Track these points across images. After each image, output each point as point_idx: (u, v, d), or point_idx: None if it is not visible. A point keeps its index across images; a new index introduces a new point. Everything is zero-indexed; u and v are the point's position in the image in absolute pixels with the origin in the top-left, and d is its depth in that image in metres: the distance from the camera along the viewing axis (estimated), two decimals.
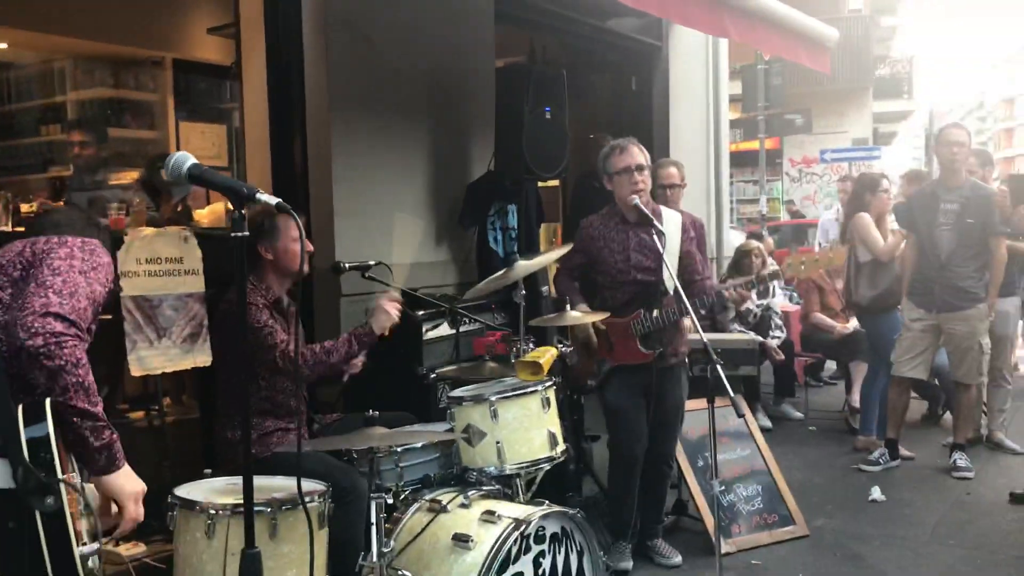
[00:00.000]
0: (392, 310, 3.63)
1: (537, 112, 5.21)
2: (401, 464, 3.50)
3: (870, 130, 20.21)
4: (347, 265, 4.25)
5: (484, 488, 3.41)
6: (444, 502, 3.23)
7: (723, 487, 4.88)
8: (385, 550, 2.97)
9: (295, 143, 4.97)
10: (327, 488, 3.03)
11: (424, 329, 4.46)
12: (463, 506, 3.23)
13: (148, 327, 4.64)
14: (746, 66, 12.35)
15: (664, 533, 4.66)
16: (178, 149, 7.45)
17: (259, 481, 2.93)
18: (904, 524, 5.01)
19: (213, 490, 3.08)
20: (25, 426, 2.01)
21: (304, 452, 3.39)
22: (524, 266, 3.83)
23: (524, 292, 3.98)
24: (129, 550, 4.04)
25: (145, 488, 2.36)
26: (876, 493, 5.44)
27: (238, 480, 2.87)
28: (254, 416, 3.52)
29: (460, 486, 3.44)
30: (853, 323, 7.08)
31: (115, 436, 2.26)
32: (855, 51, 18.29)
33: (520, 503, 3.39)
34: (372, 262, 4.26)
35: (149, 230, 4.72)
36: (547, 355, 3.69)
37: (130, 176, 7.57)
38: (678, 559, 4.51)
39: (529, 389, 3.56)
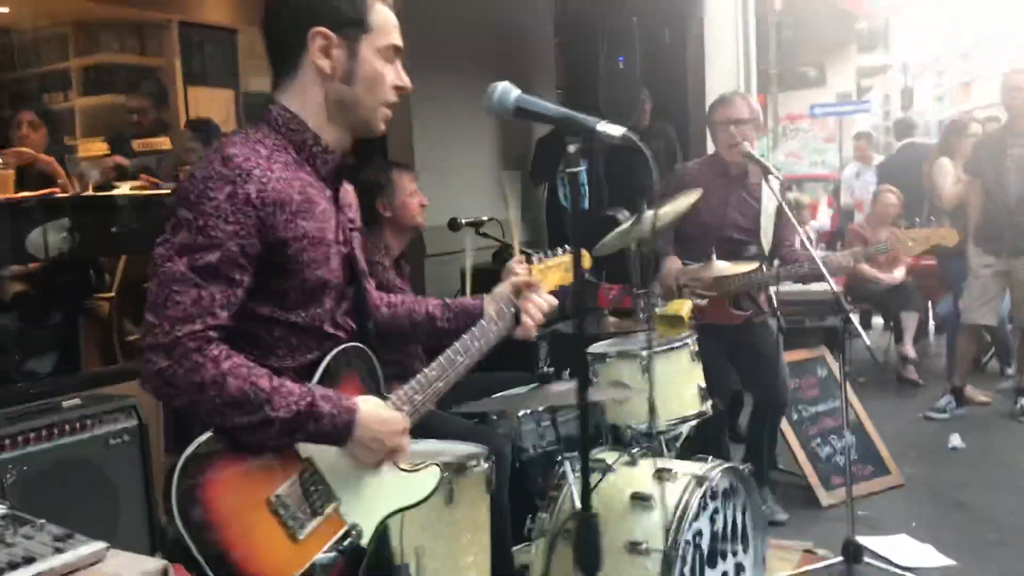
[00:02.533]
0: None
1: (611, 62, 5.05)
2: (542, 424, 3.39)
3: (854, 84, 20.17)
4: (464, 221, 4.07)
5: (642, 445, 3.29)
6: (609, 461, 3.11)
7: (819, 439, 4.83)
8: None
9: None
10: (488, 451, 2.90)
11: None
12: (629, 464, 3.11)
13: None
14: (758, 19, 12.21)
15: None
16: (187, 115, 7.16)
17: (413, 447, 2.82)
18: (993, 470, 4.99)
19: None
20: None
21: (443, 415, 3.27)
22: (651, 216, 3.68)
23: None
24: None
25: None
26: (956, 440, 5.42)
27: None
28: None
29: (610, 445, 3.33)
30: (899, 272, 7.03)
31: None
32: (837, 4, 18.17)
33: (684, 459, 3.28)
34: (486, 217, 4.08)
35: None
36: (685, 308, 3.58)
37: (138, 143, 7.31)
38: (784, 515, 4.42)
39: (679, 343, 3.44)
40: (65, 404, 2.90)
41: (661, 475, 2.99)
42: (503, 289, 2.18)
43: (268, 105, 1.85)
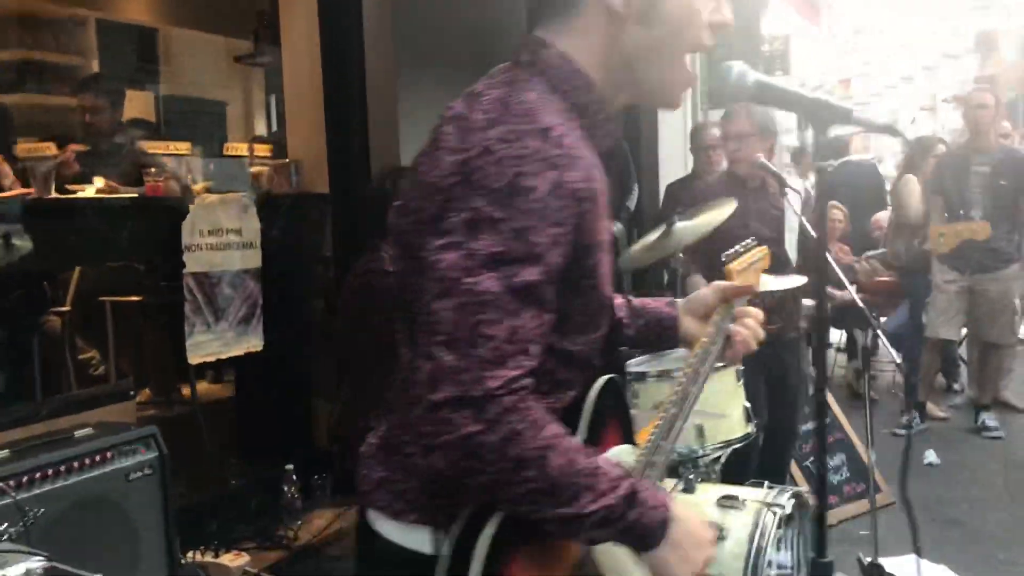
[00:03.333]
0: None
1: None
2: None
3: None
4: None
5: (692, 471, 3.12)
6: (667, 489, 2.92)
7: (813, 457, 4.76)
8: None
9: (352, 102, 4.50)
10: None
11: None
12: (686, 491, 2.94)
13: (207, 308, 4.14)
14: None
15: None
16: None
17: None
18: (974, 486, 5.02)
19: None
20: None
21: None
22: (685, 228, 3.52)
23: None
24: (233, 560, 3.57)
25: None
26: (932, 456, 5.44)
27: None
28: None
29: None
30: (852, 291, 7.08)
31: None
32: (745, 26, 18.55)
33: (743, 484, 3.12)
34: None
35: (212, 197, 4.21)
36: None
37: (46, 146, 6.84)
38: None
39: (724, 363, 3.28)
40: (77, 434, 2.55)
41: (727, 503, 2.82)
42: (708, 296, 1.68)
43: (533, 46, 1.36)
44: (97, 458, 2.48)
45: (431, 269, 1.19)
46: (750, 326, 1.66)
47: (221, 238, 4.05)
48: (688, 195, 4.20)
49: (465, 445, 1.15)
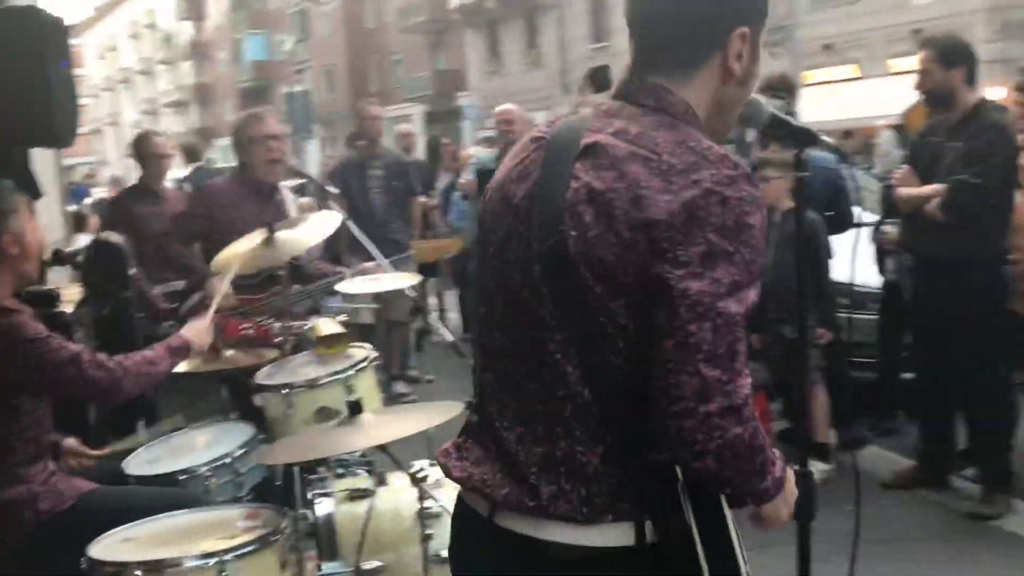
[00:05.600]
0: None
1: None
2: (241, 471, 3.12)
3: None
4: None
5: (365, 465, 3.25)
6: (364, 486, 2.99)
7: None
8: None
9: None
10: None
11: None
12: (382, 484, 3.02)
13: None
14: None
15: None
16: None
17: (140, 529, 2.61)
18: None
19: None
20: None
21: (109, 489, 2.94)
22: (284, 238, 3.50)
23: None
24: None
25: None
26: None
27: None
28: (26, 466, 2.80)
29: (332, 472, 3.19)
30: None
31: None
32: None
33: None
34: None
35: None
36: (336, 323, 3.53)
37: None
38: None
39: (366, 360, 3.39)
40: None
41: (429, 484, 2.93)
42: None
43: (659, 92, 1.54)
44: None
45: (682, 296, 1.38)
46: None
47: None
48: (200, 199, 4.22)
49: (733, 445, 1.40)
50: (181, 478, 3.02)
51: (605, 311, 1.44)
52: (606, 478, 1.48)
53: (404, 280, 3.81)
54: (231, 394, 3.60)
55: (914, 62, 4.55)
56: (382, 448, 2.55)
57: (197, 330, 3.11)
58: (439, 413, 2.56)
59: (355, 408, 2.59)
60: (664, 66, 1.57)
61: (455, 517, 1.73)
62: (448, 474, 1.65)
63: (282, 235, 3.51)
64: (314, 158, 24.92)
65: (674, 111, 1.53)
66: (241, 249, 3.49)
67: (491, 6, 37.95)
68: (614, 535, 1.49)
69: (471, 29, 40.68)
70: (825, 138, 2.11)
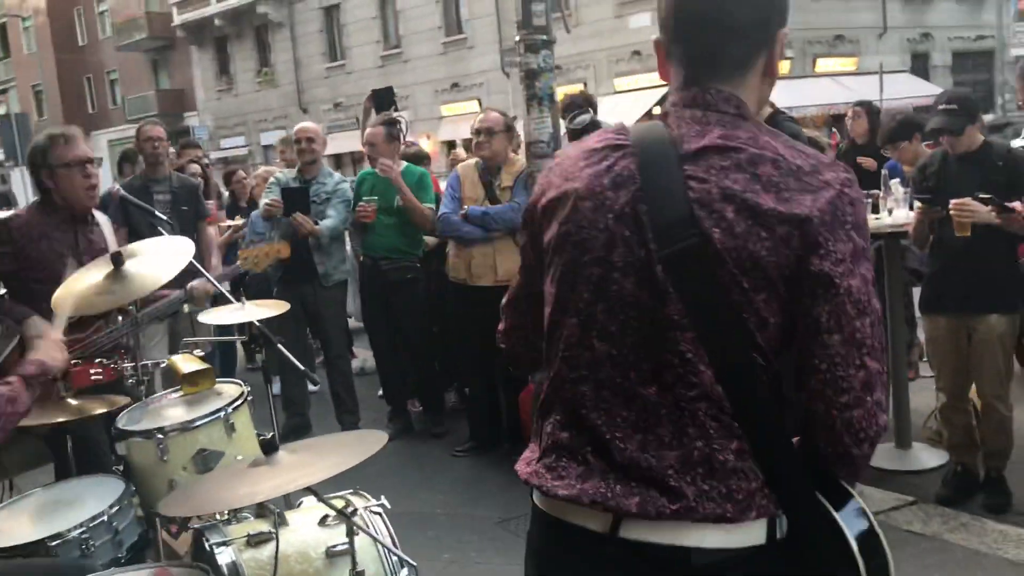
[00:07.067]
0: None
1: None
2: (119, 527, 2.86)
3: None
4: None
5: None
6: (263, 529, 2.80)
7: None
8: None
9: None
10: None
11: None
12: (283, 524, 2.84)
13: None
14: None
15: None
16: None
17: None
18: None
19: None
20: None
21: None
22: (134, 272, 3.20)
23: None
24: None
25: None
26: None
27: None
28: None
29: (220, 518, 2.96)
30: None
31: None
32: None
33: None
34: None
35: None
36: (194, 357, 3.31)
37: None
38: None
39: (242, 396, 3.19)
40: None
41: (334, 519, 2.82)
42: None
43: (735, 100, 1.57)
44: None
45: (847, 293, 1.44)
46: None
47: None
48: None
49: (879, 431, 1.47)
50: (52, 544, 2.70)
51: (749, 306, 1.45)
52: (743, 474, 1.48)
53: (271, 309, 3.61)
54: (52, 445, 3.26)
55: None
56: (310, 489, 2.41)
57: (48, 347, 2.48)
58: (359, 446, 2.43)
59: (270, 447, 2.43)
60: (723, 70, 1.59)
61: (546, 544, 1.64)
62: (551, 495, 1.56)
63: (131, 267, 3.23)
64: (20, 188, 20.88)
65: (749, 116, 1.58)
66: (80, 287, 3.17)
67: (219, 23, 36.75)
68: (753, 534, 1.49)
69: (197, 47, 39.20)
70: None
